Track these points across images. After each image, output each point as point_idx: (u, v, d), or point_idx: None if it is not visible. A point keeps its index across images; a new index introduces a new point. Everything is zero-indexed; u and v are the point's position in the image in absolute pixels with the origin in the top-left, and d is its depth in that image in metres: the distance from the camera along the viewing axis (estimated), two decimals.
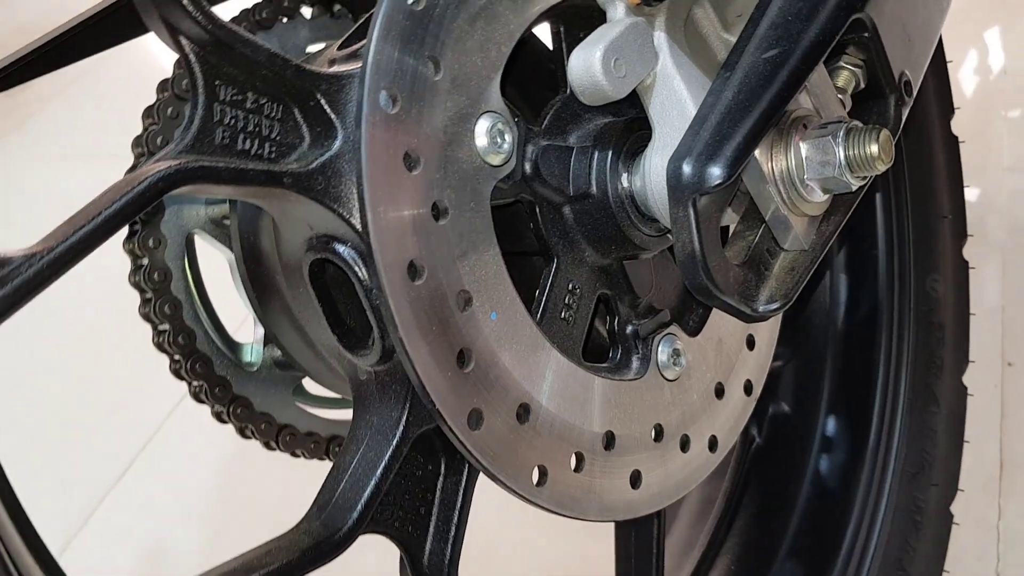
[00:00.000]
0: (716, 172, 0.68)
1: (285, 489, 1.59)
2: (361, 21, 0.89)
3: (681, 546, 1.20)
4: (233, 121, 0.75)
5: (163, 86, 1.00)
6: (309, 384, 1.10)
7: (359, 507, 0.79)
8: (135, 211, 0.69)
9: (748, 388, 0.99)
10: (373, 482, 0.79)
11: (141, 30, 0.92)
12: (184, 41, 0.73)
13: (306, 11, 1.13)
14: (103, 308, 1.76)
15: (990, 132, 2.09)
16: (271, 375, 1.06)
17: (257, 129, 0.77)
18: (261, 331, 1.05)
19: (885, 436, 1.21)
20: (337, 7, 1.16)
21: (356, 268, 0.75)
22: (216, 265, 1.07)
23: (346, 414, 1.13)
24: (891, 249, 1.24)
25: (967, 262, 1.30)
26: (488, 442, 0.75)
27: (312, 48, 1.12)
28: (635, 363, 0.89)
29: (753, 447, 1.24)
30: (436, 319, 0.72)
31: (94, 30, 1.00)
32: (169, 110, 0.98)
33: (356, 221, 0.74)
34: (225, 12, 1.05)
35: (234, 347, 1.04)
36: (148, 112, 0.99)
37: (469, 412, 0.74)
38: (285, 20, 1.08)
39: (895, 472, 1.20)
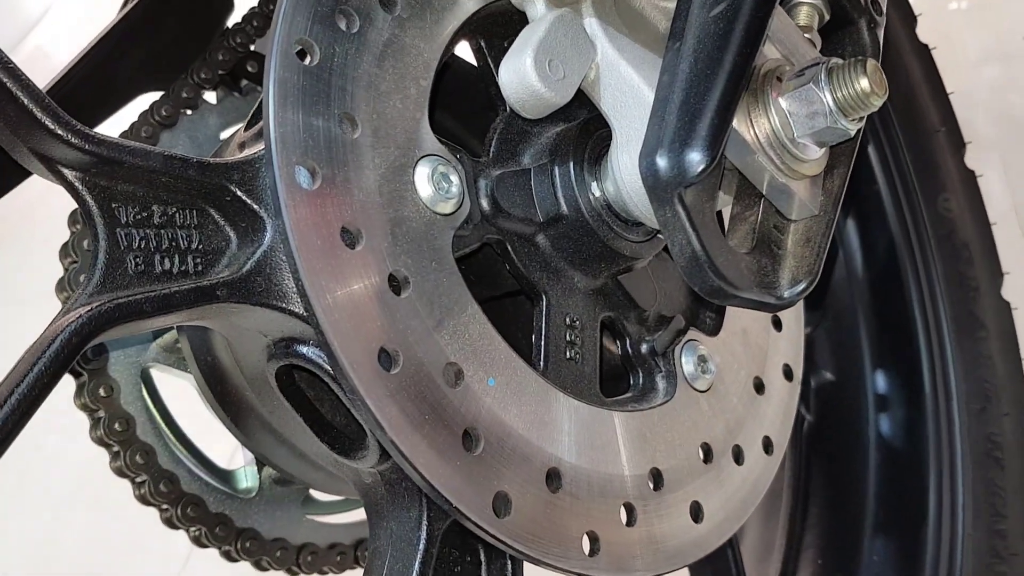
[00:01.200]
0: (696, 158, 0.58)
1: None
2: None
3: (759, 552, 1.09)
4: (143, 243, 0.66)
5: (73, 218, 0.91)
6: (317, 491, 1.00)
7: None
8: (56, 372, 0.60)
9: (788, 373, 0.90)
10: None
11: (22, 173, 0.82)
12: (64, 171, 0.64)
13: (210, 96, 1.03)
14: (82, 469, 1.64)
15: (946, 30, 2.00)
16: (273, 495, 0.96)
17: (174, 244, 0.67)
18: (250, 455, 0.95)
19: (940, 378, 1.11)
20: (244, 82, 1.06)
21: (325, 366, 0.65)
22: (184, 388, 0.97)
23: (361, 513, 1.04)
24: (891, 179, 1.14)
25: (973, 172, 1.21)
26: (523, 525, 0.65)
27: (226, 133, 1.02)
28: (661, 384, 0.79)
29: (805, 427, 1.14)
30: (427, 405, 0.62)
31: None
32: (85, 243, 0.88)
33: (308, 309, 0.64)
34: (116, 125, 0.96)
35: (226, 477, 0.94)
36: (64, 251, 0.89)
37: (493, 498, 0.64)
38: (189, 112, 0.99)
39: (960, 413, 1.10)
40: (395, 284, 0.63)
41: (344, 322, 0.60)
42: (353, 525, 1.02)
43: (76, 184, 0.64)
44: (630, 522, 0.72)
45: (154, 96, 1.00)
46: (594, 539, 0.69)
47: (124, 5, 1.00)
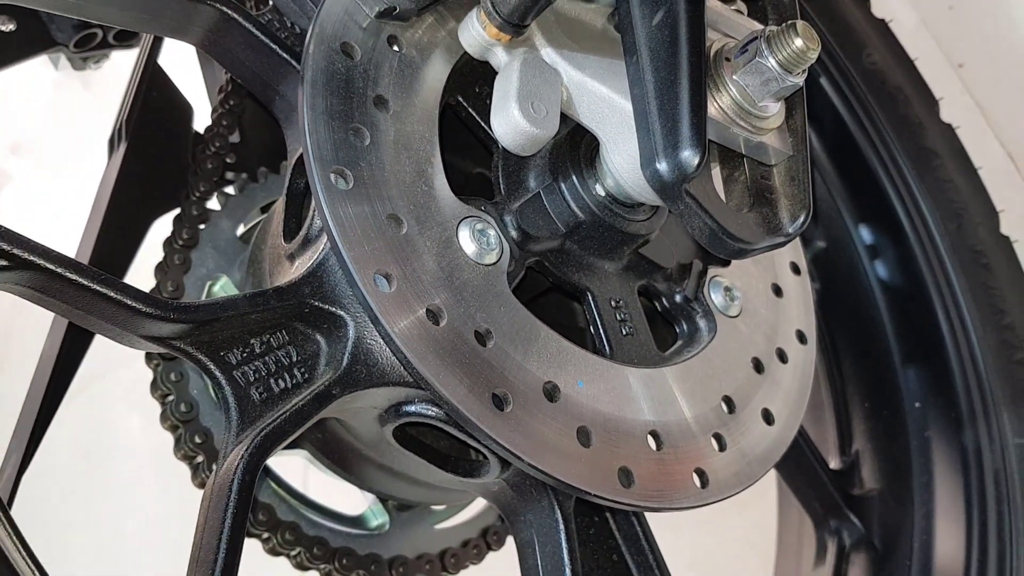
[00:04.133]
0: (689, 155, 0.69)
1: None
2: (275, 203, 0.88)
3: (814, 421, 1.23)
4: (256, 374, 0.76)
5: (148, 356, 1.00)
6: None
7: None
8: (243, 515, 0.71)
9: (795, 268, 1.02)
10: (568, 569, 0.82)
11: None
12: (173, 342, 0.74)
13: (213, 204, 1.12)
14: None
15: None
16: (402, 521, 1.08)
17: (278, 364, 0.78)
18: (371, 496, 1.07)
19: (913, 210, 1.24)
20: (229, 174, 1.15)
21: (434, 414, 0.77)
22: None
23: (477, 503, 1.17)
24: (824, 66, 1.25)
25: (883, 20, 1.32)
26: (645, 486, 0.78)
27: (240, 230, 1.11)
28: (702, 323, 0.91)
29: (815, 295, 1.27)
30: (542, 424, 0.74)
31: None
32: (171, 375, 0.99)
33: (416, 376, 0.74)
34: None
35: (359, 521, 1.07)
36: (154, 386, 0.99)
37: (617, 474, 0.77)
38: (203, 226, 1.08)
39: (940, 234, 1.23)
40: (480, 337, 0.74)
41: (456, 385, 0.72)
42: (474, 519, 1.15)
43: (187, 348, 0.74)
44: (721, 448, 0.85)
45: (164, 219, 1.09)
46: (701, 473, 0.82)
47: (111, 153, 1.08)
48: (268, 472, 1.05)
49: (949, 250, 1.24)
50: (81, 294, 0.69)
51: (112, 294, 0.71)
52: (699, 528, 1.50)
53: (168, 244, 1.05)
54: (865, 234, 1.26)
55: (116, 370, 1.55)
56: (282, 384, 0.77)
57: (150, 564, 1.45)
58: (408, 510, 1.09)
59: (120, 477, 1.53)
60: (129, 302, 0.71)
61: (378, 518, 1.08)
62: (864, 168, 1.26)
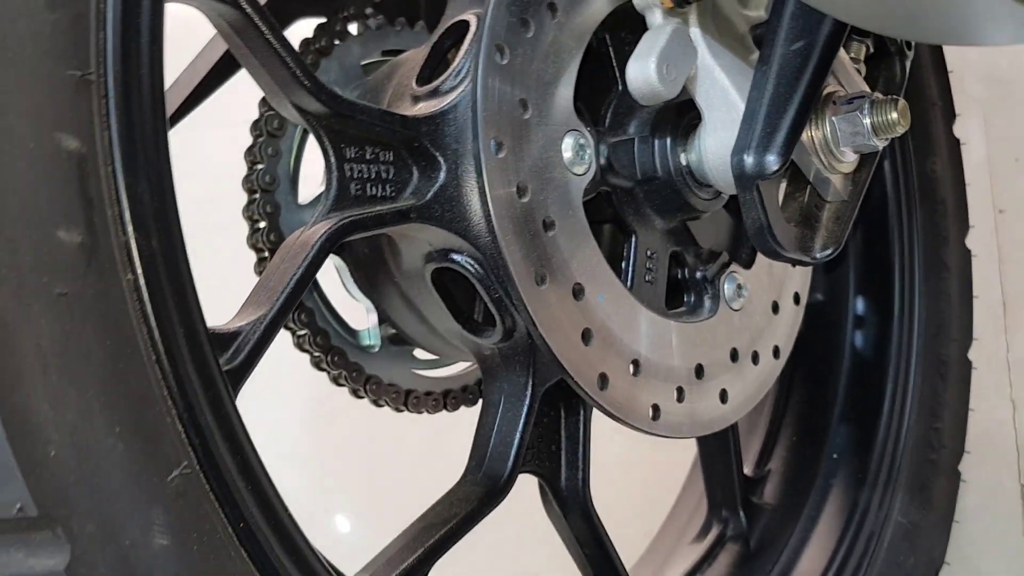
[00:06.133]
0: (773, 160, 0.84)
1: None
2: (426, 54, 1.02)
3: (747, 428, 1.40)
4: (360, 174, 0.91)
5: (255, 127, 1.14)
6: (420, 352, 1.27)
7: (511, 457, 0.97)
8: (313, 272, 0.85)
9: (796, 299, 1.18)
10: (518, 435, 0.97)
11: None
12: (312, 119, 0.88)
13: (352, 28, 1.25)
14: None
15: None
16: (388, 352, 1.24)
17: (377, 175, 0.92)
18: (374, 318, 1.22)
19: (907, 306, 1.40)
20: (374, 15, 1.28)
21: (475, 271, 0.92)
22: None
23: (454, 369, 1.32)
24: (892, 144, 1.39)
25: (958, 140, 1.47)
26: (615, 396, 0.94)
27: (365, 61, 1.24)
28: (707, 303, 1.07)
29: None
30: (562, 312, 0.90)
31: None
32: (269, 149, 1.12)
33: (475, 235, 0.89)
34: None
35: (355, 335, 1.22)
36: (249, 152, 1.13)
37: (597, 377, 0.93)
38: (338, 42, 1.21)
39: (920, 335, 1.39)
40: (546, 225, 0.89)
41: (514, 250, 0.87)
42: (439, 380, 1.30)
43: (319, 129, 0.88)
44: (679, 399, 1.01)
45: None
46: (656, 409, 0.98)
47: None
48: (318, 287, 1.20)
49: (920, 350, 1.40)
50: (266, 49, 0.83)
51: (288, 60, 0.84)
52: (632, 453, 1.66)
53: (306, 44, 1.18)
54: (859, 304, 1.42)
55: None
56: (374, 191, 0.92)
57: None
58: (398, 345, 1.24)
59: None
60: (298, 72, 0.85)
61: (371, 340, 1.23)
62: (884, 250, 1.41)
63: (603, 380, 0.93)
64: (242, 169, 1.13)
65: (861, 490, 1.29)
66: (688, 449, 1.36)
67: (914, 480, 1.33)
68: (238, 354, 0.77)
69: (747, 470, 1.33)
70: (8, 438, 0.49)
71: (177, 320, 0.62)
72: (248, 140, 1.14)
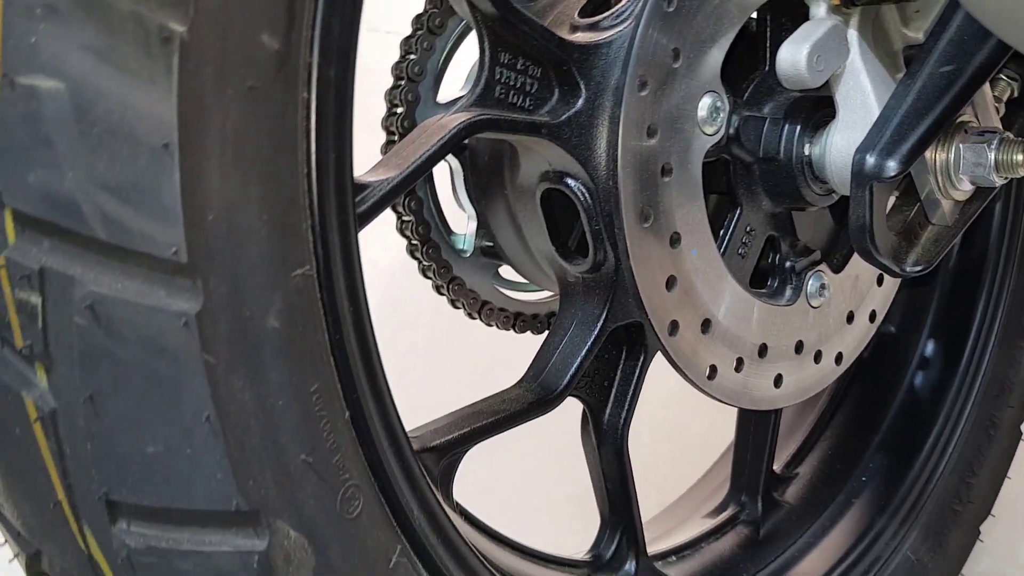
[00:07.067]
0: (893, 165, 0.88)
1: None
2: None
3: (789, 427, 1.44)
4: (507, 80, 0.97)
5: (417, 20, 1.21)
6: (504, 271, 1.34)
7: (567, 377, 1.03)
8: (443, 153, 0.92)
9: (872, 317, 1.21)
10: (579, 360, 1.03)
11: None
12: (479, 17, 0.94)
13: None
14: None
15: None
16: (477, 262, 1.31)
17: (522, 86, 0.98)
18: (472, 226, 1.29)
19: (976, 361, 1.42)
20: None
21: (583, 199, 0.98)
22: None
23: (531, 296, 1.39)
24: (1007, 203, 1.41)
25: None
26: (680, 345, 1.00)
27: None
28: (788, 292, 1.11)
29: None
30: (655, 253, 0.96)
31: None
32: (425, 43, 1.19)
33: (593, 166, 0.95)
34: None
35: (451, 236, 1.29)
36: (406, 41, 1.20)
37: (670, 323, 0.98)
38: None
39: (979, 392, 1.41)
40: (664, 171, 0.95)
41: (630, 185, 0.92)
42: (520, 302, 1.37)
43: (483, 28, 0.95)
44: (737, 369, 1.06)
45: None
46: (713, 369, 1.04)
47: None
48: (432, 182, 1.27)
49: (976, 406, 1.42)
50: None
51: None
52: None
53: None
54: (929, 346, 1.44)
55: None
56: (514, 100, 0.98)
57: None
58: (488, 258, 1.31)
59: None
60: None
61: (464, 245, 1.30)
62: (970, 302, 1.43)
63: (674, 327, 0.98)
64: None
65: (880, 516, 1.32)
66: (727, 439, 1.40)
67: (933, 523, 1.36)
68: (361, 204, 0.84)
69: (776, 467, 1.37)
70: (182, 189, 0.57)
71: (331, 146, 0.70)
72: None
